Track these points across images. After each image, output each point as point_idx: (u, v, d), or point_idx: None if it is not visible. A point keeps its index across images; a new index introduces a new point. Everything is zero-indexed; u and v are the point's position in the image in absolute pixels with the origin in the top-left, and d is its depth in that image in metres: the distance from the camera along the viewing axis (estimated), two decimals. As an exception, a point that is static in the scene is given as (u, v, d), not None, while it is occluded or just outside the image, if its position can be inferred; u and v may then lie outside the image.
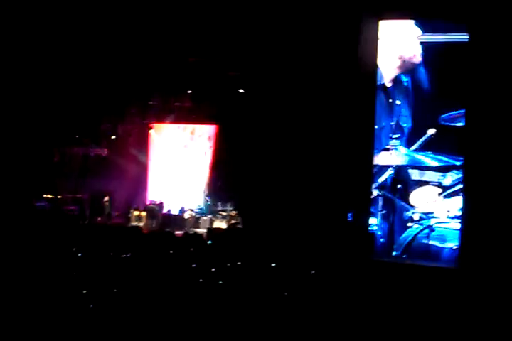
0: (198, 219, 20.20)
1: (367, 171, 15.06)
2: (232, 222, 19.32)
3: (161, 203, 21.01)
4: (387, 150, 15.23)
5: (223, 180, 21.20)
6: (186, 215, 20.30)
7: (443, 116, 14.69)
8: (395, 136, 15.22)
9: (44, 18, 17.09)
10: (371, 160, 15.15)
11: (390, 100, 15.33)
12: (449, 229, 14.57)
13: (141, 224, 19.69)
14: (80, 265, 11.18)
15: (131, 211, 20.54)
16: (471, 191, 13.37)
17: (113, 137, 21.98)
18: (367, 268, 12.22)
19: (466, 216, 13.52)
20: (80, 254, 12.10)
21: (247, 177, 18.15)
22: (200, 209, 20.93)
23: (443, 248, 14.55)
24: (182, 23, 17.26)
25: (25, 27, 17.14)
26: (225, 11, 16.47)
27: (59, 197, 20.39)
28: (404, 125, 15.19)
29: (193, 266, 11.37)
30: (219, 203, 21.00)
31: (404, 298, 9.60)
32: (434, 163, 14.88)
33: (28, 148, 19.08)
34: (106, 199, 20.75)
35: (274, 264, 11.53)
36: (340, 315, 8.74)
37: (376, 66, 15.11)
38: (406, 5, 14.25)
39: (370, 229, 15.14)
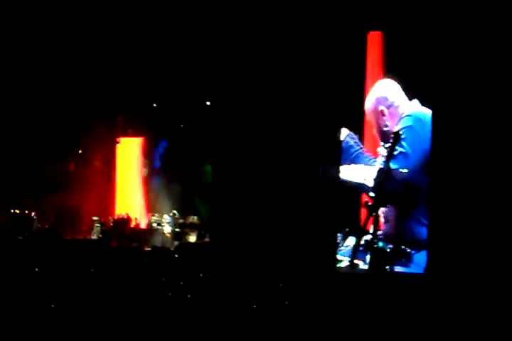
0: (165, 232, 20.16)
1: (333, 184, 15.12)
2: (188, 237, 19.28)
3: (128, 217, 20.94)
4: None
5: (190, 193, 21.22)
6: (154, 229, 20.25)
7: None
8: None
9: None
10: (337, 173, 15.19)
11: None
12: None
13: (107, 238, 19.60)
14: (45, 280, 11.12)
15: (97, 225, 20.43)
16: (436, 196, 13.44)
17: (79, 151, 21.90)
18: (332, 278, 12.29)
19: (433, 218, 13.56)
20: (38, 269, 12.03)
21: (213, 189, 18.14)
22: (168, 222, 20.89)
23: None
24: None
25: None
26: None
27: (25, 211, 20.21)
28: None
29: (162, 279, 11.37)
30: (186, 216, 20.98)
31: (373, 306, 9.70)
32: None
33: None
34: (33, 214, 20.43)
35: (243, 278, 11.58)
36: (309, 326, 8.80)
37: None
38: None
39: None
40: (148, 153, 22.35)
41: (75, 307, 9.28)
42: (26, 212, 19.93)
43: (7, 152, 19.52)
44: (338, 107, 14.92)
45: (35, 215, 20.23)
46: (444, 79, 12.94)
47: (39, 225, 20.20)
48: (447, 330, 8.74)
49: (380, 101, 14.51)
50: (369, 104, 14.54)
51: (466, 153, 12.69)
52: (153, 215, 21.18)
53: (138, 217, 21.24)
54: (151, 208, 21.80)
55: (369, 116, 14.60)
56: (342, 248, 15.04)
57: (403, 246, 13.93)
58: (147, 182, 22.28)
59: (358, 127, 15.03)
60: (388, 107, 14.45)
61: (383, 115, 14.49)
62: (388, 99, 14.42)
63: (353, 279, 12.52)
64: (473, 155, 12.58)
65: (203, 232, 19.46)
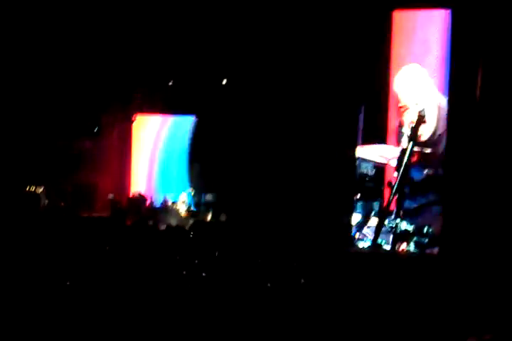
0: (181, 211, 20.19)
1: (350, 164, 15.07)
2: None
3: (144, 195, 20.98)
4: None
5: (207, 172, 21.22)
6: (169, 207, 20.28)
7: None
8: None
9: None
10: (354, 153, 15.13)
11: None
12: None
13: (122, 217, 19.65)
14: (62, 257, 11.16)
15: (113, 203, 20.48)
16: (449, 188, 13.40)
17: (95, 129, 21.89)
18: (345, 259, 12.27)
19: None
20: (62, 246, 12.07)
21: (230, 169, 18.14)
22: (184, 201, 20.91)
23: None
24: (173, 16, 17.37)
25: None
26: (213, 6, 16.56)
27: (41, 189, 20.26)
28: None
29: (177, 258, 11.38)
30: (203, 195, 20.97)
31: (384, 287, 9.68)
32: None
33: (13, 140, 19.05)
34: (40, 190, 20.39)
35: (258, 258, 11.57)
36: (323, 305, 8.79)
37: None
38: None
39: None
40: (164, 131, 22.31)
41: (90, 284, 9.31)
42: (33, 189, 19.95)
43: (24, 130, 19.55)
44: (359, 85, 14.87)
45: (42, 192, 20.26)
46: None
47: (46, 201, 20.26)
48: (458, 311, 8.70)
49: (409, 82, 14.48)
50: (398, 84, 14.52)
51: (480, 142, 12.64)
52: (168, 193, 21.21)
53: (153, 195, 21.27)
54: (166, 186, 21.82)
55: (400, 96, 14.56)
56: (365, 228, 15.05)
57: (426, 226, 13.92)
58: (162, 160, 22.26)
59: (381, 106, 14.99)
60: (415, 89, 14.42)
61: (410, 96, 14.46)
62: (416, 81, 14.38)
63: (368, 259, 12.52)
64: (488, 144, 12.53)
65: (218, 211, 19.48)
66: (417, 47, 14.49)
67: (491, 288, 9.49)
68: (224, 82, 19.52)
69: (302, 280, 10.16)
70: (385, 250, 14.30)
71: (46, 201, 20.06)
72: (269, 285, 9.75)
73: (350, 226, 15.11)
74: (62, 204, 20.32)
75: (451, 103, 13.55)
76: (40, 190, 20.05)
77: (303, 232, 14.24)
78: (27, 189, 19.95)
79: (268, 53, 15.84)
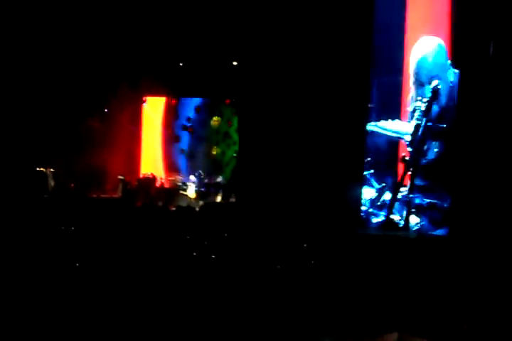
0: (191, 192, 20.21)
1: (360, 143, 15.00)
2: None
3: (154, 176, 21.00)
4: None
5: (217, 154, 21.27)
6: (180, 189, 20.30)
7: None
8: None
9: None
10: (364, 129, 15.06)
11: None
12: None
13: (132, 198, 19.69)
14: (72, 238, 11.17)
15: (123, 184, 20.51)
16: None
17: (106, 110, 21.88)
18: (354, 241, 12.25)
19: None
20: (72, 227, 12.08)
21: (240, 149, 18.07)
22: (194, 182, 20.93)
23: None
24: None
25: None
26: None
27: (52, 170, 20.28)
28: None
29: (187, 237, 11.39)
30: (211, 176, 20.99)
31: (392, 269, 9.68)
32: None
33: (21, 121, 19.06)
34: (48, 170, 20.30)
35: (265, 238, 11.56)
36: (331, 287, 8.79)
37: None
38: None
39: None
40: (173, 113, 22.28)
41: (99, 264, 9.33)
42: (41, 168, 19.96)
43: (34, 111, 19.54)
44: (372, 59, 14.80)
45: (50, 173, 20.24)
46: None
47: (53, 182, 20.25)
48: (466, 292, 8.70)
49: (425, 55, 14.37)
50: (414, 57, 14.44)
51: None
52: (179, 175, 21.24)
53: (163, 177, 21.29)
54: (176, 168, 21.84)
55: (415, 69, 14.48)
56: (379, 203, 15.03)
57: (439, 201, 13.88)
58: (173, 141, 22.26)
59: (395, 80, 14.92)
60: (430, 63, 14.31)
61: (425, 70, 14.37)
62: (432, 55, 14.26)
63: (377, 240, 12.50)
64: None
65: (228, 192, 19.50)
66: (432, 19, 14.35)
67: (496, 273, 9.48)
68: (234, 63, 19.43)
69: (312, 262, 10.16)
70: (397, 226, 14.34)
71: (53, 182, 20.06)
72: (278, 266, 9.75)
73: (360, 204, 15.06)
74: (72, 185, 20.35)
75: (462, 77, 13.41)
76: (49, 170, 20.06)
77: (313, 212, 14.22)
78: (35, 169, 19.97)
79: (275, 29, 15.73)
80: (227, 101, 20.85)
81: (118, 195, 20.29)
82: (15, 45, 18.23)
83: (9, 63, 18.24)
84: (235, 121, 20.35)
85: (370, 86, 15.04)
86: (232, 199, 18.99)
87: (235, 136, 20.22)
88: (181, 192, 20.14)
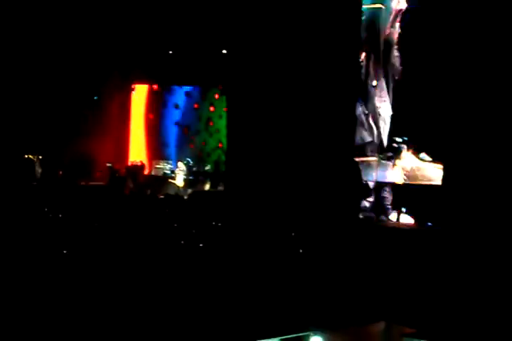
0: (179, 180, 20.16)
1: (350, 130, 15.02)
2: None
3: (142, 164, 20.95)
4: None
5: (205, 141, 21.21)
6: (168, 177, 20.26)
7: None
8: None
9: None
10: (354, 119, 15.08)
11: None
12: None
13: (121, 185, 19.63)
14: (60, 225, 11.16)
15: (111, 171, 20.44)
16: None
17: (95, 98, 21.78)
18: (344, 229, 12.27)
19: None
20: (60, 215, 12.07)
21: (231, 135, 17.99)
22: (182, 170, 20.86)
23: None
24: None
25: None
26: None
27: (40, 157, 20.19)
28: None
29: (175, 225, 11.39)
30: (200, 164, 20.93)
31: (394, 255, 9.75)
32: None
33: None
34: (35, 158, 20.14)
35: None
36: (318, 276, 8.82)
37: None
38: None
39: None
40: (160, 101, 22.19)
41: (87, 252, 9.32)
42: (29, 156, 19.86)
43: (22, 98, 19.45)
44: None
45: (38, 159, 20.11)
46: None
47: (40, 170, 20.12)
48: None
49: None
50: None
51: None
52: (166, 163, 21.19)
53: (152, 164, 21.23)
54: (165, 155, 21.77)
55: None
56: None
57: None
58: (161, 129, 22.17)
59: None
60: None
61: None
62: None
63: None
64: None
65: (216, 180, 19.46)
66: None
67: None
68: (223, 52, 19.34)
69: (300, 250, 10.18)
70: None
71: (41, 169, 19.98)
72: (266, 255, 9.77)
73: (351, 191, 15.03)
74: (60, 172, 20.27)
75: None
76: (37, 158, 19.98)
77: (301, 201, 14.21)
78: (23, 157, 19.89)
79: (270, 25, 15.67)
80: (220, 87, 20.64)
81: (106, 182, 20.22)
82: (3, 34, 18.12)
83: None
84: (219, 107, 20.20)
85: (359, 73, 15.06)
86: (221, 188, 18.95)
87: (220, 123, 20.12)
88: (170, 180, 20.08)
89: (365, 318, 7.16)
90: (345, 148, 14.88)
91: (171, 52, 20.77)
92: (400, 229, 13.56)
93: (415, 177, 14.22)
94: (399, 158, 14.86)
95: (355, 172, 14.69)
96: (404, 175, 14.62)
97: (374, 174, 14.97)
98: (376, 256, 9.95)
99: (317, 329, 6.40)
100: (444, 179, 13.27)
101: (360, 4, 14.89)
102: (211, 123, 20.72)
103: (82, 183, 19.59)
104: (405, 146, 14.87)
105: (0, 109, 18.66)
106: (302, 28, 15.07)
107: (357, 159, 14.88)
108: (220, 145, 20.13)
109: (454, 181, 12.90)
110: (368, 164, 15.19)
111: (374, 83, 15.29)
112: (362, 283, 8.64)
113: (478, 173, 12.29)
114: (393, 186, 14.69)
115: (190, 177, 20.27)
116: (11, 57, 18.61)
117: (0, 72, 18.52)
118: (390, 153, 15.03)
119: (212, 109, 20.77)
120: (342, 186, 14.49)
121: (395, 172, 14.78)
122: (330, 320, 7.04)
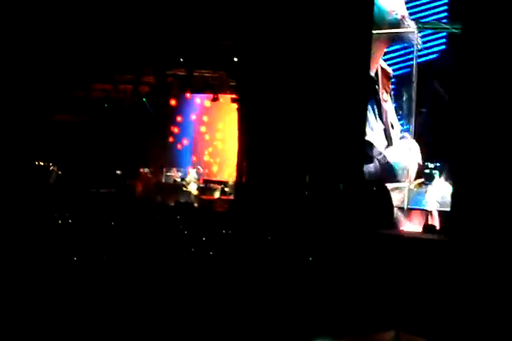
0: (190, 188, 20.14)
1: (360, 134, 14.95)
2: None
3: (153, 171, 20.96)
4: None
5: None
6: (178, 184, 20.26)
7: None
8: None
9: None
10: (364, 122, 15.03)
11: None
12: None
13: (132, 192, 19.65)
14: (70, 231, 11.17)
15: (121, 179, 20.46)
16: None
17: (105, 105, 21.84)
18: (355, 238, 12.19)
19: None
20: (70, 221, 12.08)
21: (241, 142, 17.96)
22: (194, 177, 20.85)
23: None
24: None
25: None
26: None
27: (53, 164, 20.25)
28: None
29: (185, 232, 11.37)
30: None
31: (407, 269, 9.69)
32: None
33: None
34: (51, 165, 20.32)
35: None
36: (329, 284, 8.79)
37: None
38: None
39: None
40: (176, 108, 22.23)
41: (97, 258, 9.32)
42: (45, 163, 19.91)
43: (37, 106, 19.54)
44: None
45: (53, 167, 20.18)
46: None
47: (55, 176, 20.18)
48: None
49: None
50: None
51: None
52: (178, 170, 21.18)
53: (162, 171, 21.22)
54: (176, 162, 21.77)
55: None
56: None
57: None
58: (173, 136, 22.18)
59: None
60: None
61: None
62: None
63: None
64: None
65: (226, 188, 19.45)
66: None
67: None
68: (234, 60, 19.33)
69: (310, 259, 10.15)
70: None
71: (55, 176, 20.07)
72: (275, 264, 9.74)
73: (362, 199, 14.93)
74: (72, 179, 20.30)
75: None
76: (50, 165, 20.06)
77: (313, 210, 14.15)
78: (36, 164, 19.96)
79: (277, 26, 15.63)
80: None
81: (117, 189, 20.22)
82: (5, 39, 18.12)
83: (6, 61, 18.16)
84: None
85: (368, 76, 15.04)
86: (232, 196, 18.93)
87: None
88: (184, 188, 19.99)
89: (376, 326, 7.12)
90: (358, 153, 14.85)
91: (182, 60, 20.82)
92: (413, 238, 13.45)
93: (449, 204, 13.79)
94: (431, 185, 14.74)
95: (386, 198, 14.49)
96: (437, 201, 14.43)
97: (405, 200, 14.82)
98: (387, 264, 9.91)
99: (325, 337, 6.37)
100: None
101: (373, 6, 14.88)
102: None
103: (93, 190, 19.61)
104: (437, 172, 14.79)
105: (13, 117, 18.71)
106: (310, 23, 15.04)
107: (388, 185, 14.77)
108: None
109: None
110: (400, 191, 15.15)
111: (385, 97, 15.31)
112: (372, 290, 8.61)
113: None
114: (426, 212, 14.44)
115: (202, 185, 20.26)
116: (23, 68, 18.64)
117: (13, 83, 18.52)
118: (422, 179, 14.92)
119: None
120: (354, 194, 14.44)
121: (428, 199, 14.61)
122: (340, 328, 7.01)
